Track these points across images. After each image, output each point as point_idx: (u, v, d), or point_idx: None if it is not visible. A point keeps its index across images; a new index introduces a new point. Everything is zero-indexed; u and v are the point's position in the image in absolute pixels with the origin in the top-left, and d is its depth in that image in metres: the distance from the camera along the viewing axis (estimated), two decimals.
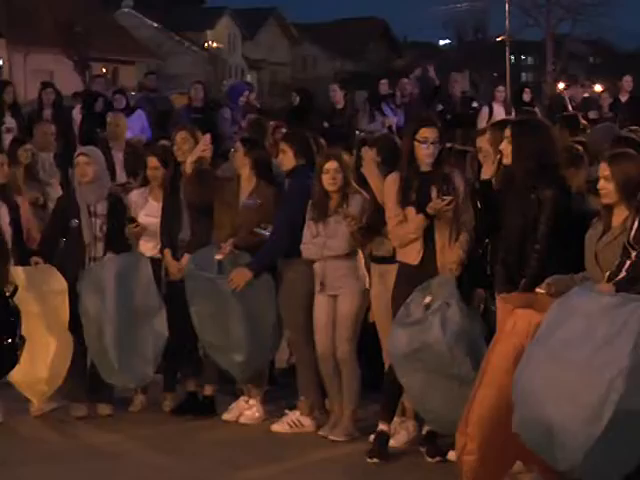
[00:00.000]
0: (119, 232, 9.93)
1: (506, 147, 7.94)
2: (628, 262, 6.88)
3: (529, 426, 6.66)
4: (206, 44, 66.04)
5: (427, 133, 8.48)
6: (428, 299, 8.14)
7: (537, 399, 6.57)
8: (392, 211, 8.54)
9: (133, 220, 9.93)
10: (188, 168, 9.79)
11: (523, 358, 6.77)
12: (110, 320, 9.51)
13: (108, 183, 10.33)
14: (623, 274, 6.86)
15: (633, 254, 6.86)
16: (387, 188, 8.64)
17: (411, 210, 8.44)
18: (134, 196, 10.27)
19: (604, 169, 7.32)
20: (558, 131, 10.11)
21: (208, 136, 10.03)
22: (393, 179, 8.63)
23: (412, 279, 8.36)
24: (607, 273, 6.94)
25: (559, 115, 12.89)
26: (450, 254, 8.37)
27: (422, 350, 8.02)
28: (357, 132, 17.35)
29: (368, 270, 9.10)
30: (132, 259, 9.89)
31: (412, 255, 8.51)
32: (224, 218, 9.62)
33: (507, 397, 7.07)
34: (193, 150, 9.86)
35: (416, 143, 8.49)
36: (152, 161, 10.15)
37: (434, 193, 8.40)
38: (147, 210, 10.09)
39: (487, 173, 8.40)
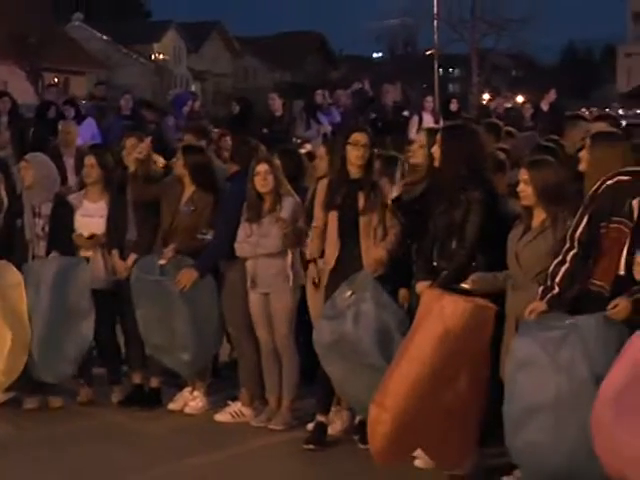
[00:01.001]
0: (60, 232, 9.84)
1: (436, 150, 8.00)
2: (563, 269, 6.94)
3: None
4: (153, 56, 65.87)
5: (359, 137, 8.53)
6: (349, 293, 8.20)
7: (540, 454, 6.56)
8: (316, 214, 8.70)
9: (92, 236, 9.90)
10: (131, 167, 9.79)
11: (506, 424, 6.74)
12: (41, 316, 9.47)
13: (55, 187, 10.24)
14: (556, 290, 6.93)
15: (570, 255, 6.94)
16: (317, 192, 8.77)
17: (333, 215, 8.54)
18: (72, 199, 10.21)
19: (524, 173, 7.45)
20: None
21: (148, 139, 10.02)
22: (323, 184, 8.74)
23: (335, 280, 8.41)
24: (541, 288, 6.99)
25: (483, 122, 12.95)
26: (374, 252, 8.41)
27: (340, 341, 8.09)
28: (294, 138, 17.43)
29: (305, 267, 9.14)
30: (73, 262, 9.77)
31: (328, 259, 8.62)
32: (167, 220, 9.60)
33: (429, 375, 7.14)
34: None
35: (349, 147, 8.53)
36: (89, 159, 10.13)
37: (361, 200, 8.44)
38: (82, 211, 10.02)
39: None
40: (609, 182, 6.91)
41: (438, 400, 7.00)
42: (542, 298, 6.96)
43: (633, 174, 6.87)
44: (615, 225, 6.81)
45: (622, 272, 6.69)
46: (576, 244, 6.94)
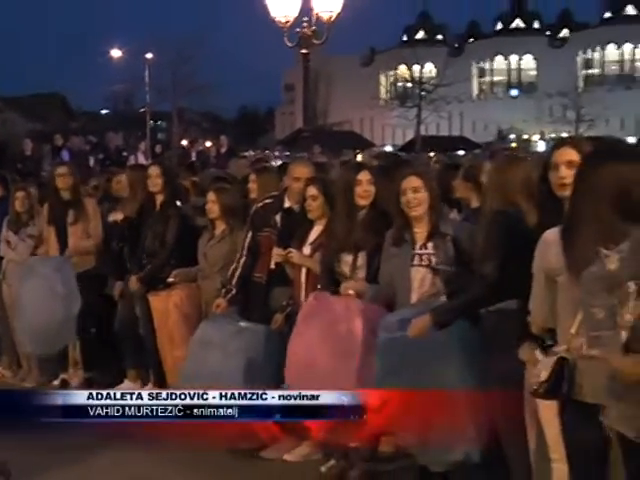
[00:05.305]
0: None
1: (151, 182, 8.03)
2: (237, 274, 6.95)
3: None
4: None
5: (60, 170, 8.73)
6: None
7: None
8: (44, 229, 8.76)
9: None
10: None
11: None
12: None
13: None
14: (234, 291, 6.90)
15: (241, 262, 6.95)
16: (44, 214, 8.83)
17: (51, 228, 8.61)
18: None
19: (211, 196, 7.46)
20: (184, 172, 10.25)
21: None
22: (45, 207, 8.81)
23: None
24: (223, 290, 6.96)
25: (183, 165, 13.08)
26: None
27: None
28: (42, 172, 17.03)
29: None
30: None
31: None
32: None
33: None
34: None
35: (56, 178, 8.72)
36: None
37: (70, 215, 8.50)
38: None
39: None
40: (259, 204, 7.05)
41: None
42: (224, 297, 6.94)
43: (274, 197, 7.01)
44: (266, 234, 6.90)
45: (273, 266, 6.76)
46: (245, 252, 6.99)
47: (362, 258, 5.93)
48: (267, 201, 7.01)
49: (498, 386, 4.66)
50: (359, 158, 25.13)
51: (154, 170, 7.99)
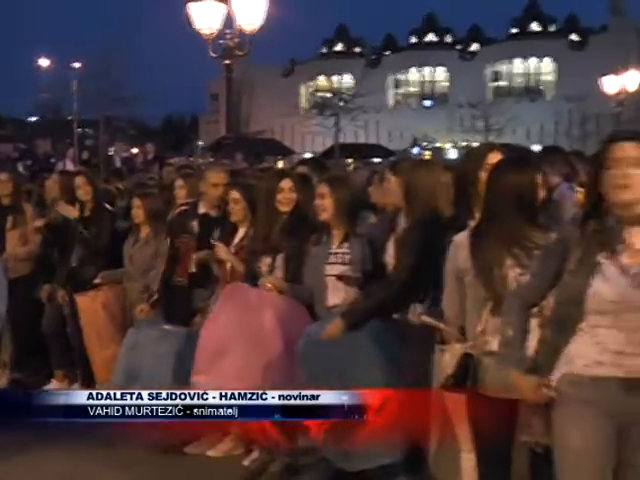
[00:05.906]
0: None
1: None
2: (158, 279, 6.91)
3: None
4: None
5: (1, 177, 8.51)
6: None
7: None
8: None
9: None
10: None
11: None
12: None
13: None
14: (156, 296, 6.87)
15: (162, 266, 6.90)
16: None
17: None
18: None
19: (136, 201, 7.42)
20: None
21: None
22: None
23: None
24: (146, 295, 6.91)
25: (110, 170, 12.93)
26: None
27: None
28: None
29: None
30: None
31: None
32: None
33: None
34: None
35: None
36: None
37: (9, 222, 8.30)
38: None
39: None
40: (176, 211, 7.02)
41: None
42: (147, 301, 6.90)
43: (190, 204, 6.96)
44: (185, 240, 6.85)
45: (194, 269, 6.71)
46: (165, 258, 6.91)
47: (280, 260, 5.97)
48: (183, 208, 6.99)
49: (413, 384, 4.70)
50: (280, 165, 25.20)
51: (81, 180, 7.96)
